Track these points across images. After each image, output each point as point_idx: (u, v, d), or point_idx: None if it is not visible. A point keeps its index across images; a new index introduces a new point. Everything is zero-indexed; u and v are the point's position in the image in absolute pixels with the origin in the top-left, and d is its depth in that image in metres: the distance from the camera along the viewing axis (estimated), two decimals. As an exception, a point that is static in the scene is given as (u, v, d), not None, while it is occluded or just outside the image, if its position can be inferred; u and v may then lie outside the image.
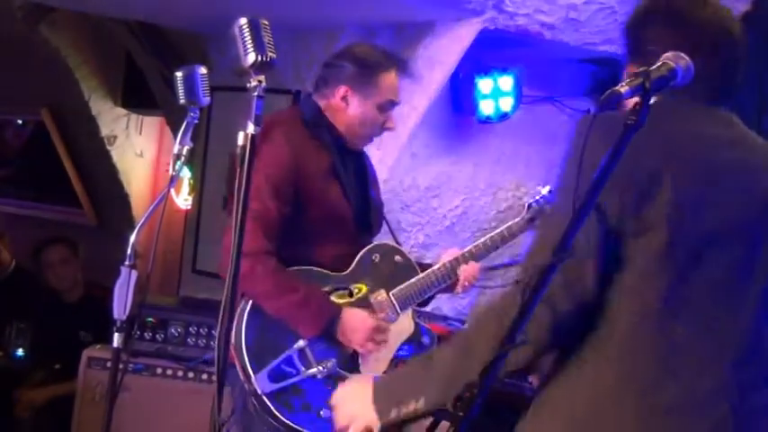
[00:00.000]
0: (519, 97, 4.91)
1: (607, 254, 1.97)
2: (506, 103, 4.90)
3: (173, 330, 4.81)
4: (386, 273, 3.46)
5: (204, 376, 4.72)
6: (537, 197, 3.69)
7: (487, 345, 1.85)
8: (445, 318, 4.52)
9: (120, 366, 3.01)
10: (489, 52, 4.81)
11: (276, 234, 3.22)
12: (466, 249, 3.53)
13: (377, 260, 3.45)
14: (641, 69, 1.77)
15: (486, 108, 4.94)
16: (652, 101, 1.76)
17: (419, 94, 4.70)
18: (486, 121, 4.98)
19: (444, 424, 4.10)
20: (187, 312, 4.89)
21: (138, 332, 4.76)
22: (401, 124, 4.79)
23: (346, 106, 3.40)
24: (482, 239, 3.58)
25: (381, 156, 4.90)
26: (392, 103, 3.46)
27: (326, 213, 3.35)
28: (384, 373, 3.35)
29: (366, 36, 4.86)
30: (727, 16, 2.18)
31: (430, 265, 3.54)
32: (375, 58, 3.43)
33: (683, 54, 1.82)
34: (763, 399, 2.06)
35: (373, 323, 3.31)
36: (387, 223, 3.69)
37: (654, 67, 1.78)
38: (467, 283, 3.53)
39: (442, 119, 5.02)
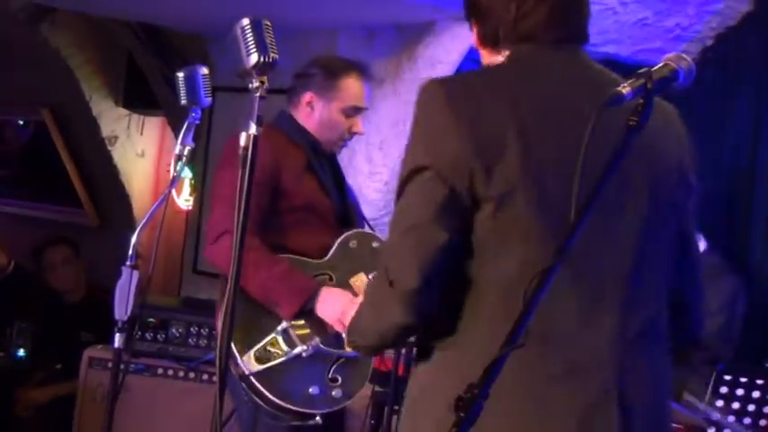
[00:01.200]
0: (520, 97, 4.91)
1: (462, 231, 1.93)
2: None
3: (174, 331, 4.82)
4: (364, 258, 3.52)
5: (205, 376, 4.72)
6: None
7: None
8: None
9: (122, 367, 3.02)
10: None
11: (256, 219, 3.28)
12: None
13: (354, 246, 3.54)
14: (644, 70, 1.77)
15: (487, 108, 4.93)
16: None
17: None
18: (487, 121, 4.98)
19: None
20: (188, 313, 4.90)
21: (140, 332, 4.76)
22: (402, 125, 4.80)
23: (311, 111, 3.57)
24: None
25: (383, 157, 4.90)
26: (356, 109, 3.60)
27: (306, 204, 3.47)
28: None
29: (366, 36, 4.87)
30: None
31: None
32: (336, 64, 3.61)
33: (684, 55, 1.82)
34: (646, 350, 2.03)
35: (350, 300, 3.35)
36: (367, 223, 3.75)
37: (656, 67, 1.78)
38: None
39: (443, 119, 5.01)
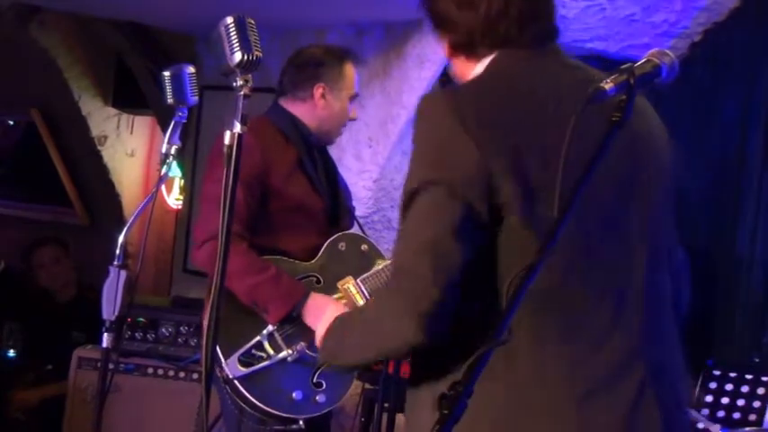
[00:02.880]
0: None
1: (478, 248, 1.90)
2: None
3: (164, 330, 4.81)
4: (353, 261, 3.52)
5: (195, 376, 4.72)
6: None
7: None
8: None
9: (111, 366, 3.01)
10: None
11: (245, 220, 3.28)
12: None
13: (343, 248, 3.53)
14: (627, 66, 1.77)
15: (476, 106, 4.93)
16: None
17: (408, 93, 4.71)
18: (476, 118, 4.98)
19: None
20: (178, 312, 4.89)
21: (129, 332, 4.76)
22: (391, 123, 4.80)
23: (326, 103, 3.55)
24: None
25: (372, 154, 4.90)
26: (356, 95, 3.65)
27: (294, 205, 3.45)
28: None
29: (355, 34, 4.87)
30: None
31: None
32: (337, 53, 3.62)
33: (667, 51, 1.82)
34: (668, 346, 2.05)
35: (339, 309, 3.34)
36: (358, 222, 3.74)
37: (639, 63, 1.78)
38: None
39: (432, 117, 5.01)
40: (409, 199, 1.93)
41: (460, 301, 1.90)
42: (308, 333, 3.34)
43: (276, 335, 3.33)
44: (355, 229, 3.72)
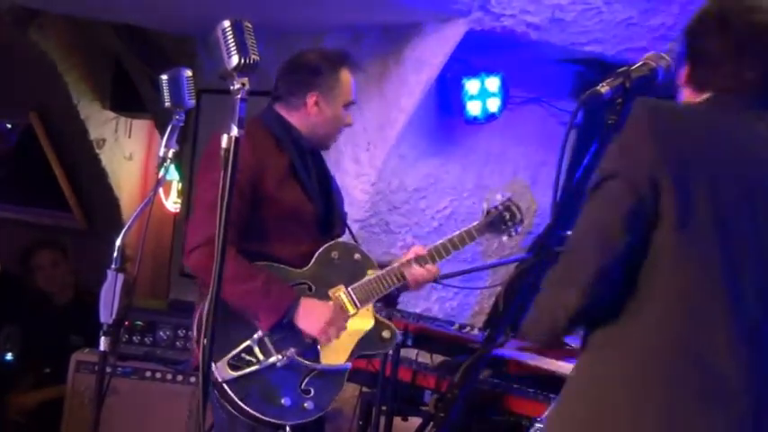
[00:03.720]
0: (506, 98, 4.93)
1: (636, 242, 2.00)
2: (493, 104, 4.91)
3: (161, 334, 4.82)
4: (345, 269, 3.51)
5: (192, 379, 4.71)
6: (496, 204, 3.73)
7: None
8: (434, 319, 4.52)
9: (108, 370, 3.02)
10: (476, 53, 4.82)
11: (235, 224, 3.23)
12: (426, 250, 3.57)
13: (336, 257, 3.51)
14: (623, 69, 1.78)
15: (474, 109, 4.95)
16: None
17: (406, 96, 4.71)
18: (474, 121, 4.99)
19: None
20: (176, 315, 4.89)
21: (127, 335, 4.76)
22: (389, 126, 4.81)
23: (319, 111, 3.52)
24: (441, 242, 3.62)
25: (370, 158, 4.91)
26: (352, 102, 3.61)
27: (287, 212, 3.43)
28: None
29: (352, 38, 4.87)
30: None
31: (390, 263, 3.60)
32: (333, 59, 3.57)
33: (663, 54, 1.83)
34: None
35: (330, 311, 3.37)
36: (349, 230, 3.73)
37: (635, 66, 1.79)
38: (417, 284, 3.57)
39: (429, 120, 5.02)
40: (593, 189, 2.04)
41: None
42: (299, 339, 3.34)
43: (266, 340, 3.32)
44: (347, 237, 3.71)
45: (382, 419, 3.97)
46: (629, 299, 2.01)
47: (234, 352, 3.28)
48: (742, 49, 2.08)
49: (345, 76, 3.56)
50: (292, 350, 3.32)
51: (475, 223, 3.69)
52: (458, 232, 3.65)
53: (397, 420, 4.10)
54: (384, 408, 3.96)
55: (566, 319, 2.04)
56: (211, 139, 3.37)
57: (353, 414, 4.34)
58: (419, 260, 3.55)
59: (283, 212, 3.42)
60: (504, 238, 3.75)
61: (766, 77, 2.10)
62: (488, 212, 3.72)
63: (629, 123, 2.02)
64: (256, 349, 3.30)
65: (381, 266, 3.57)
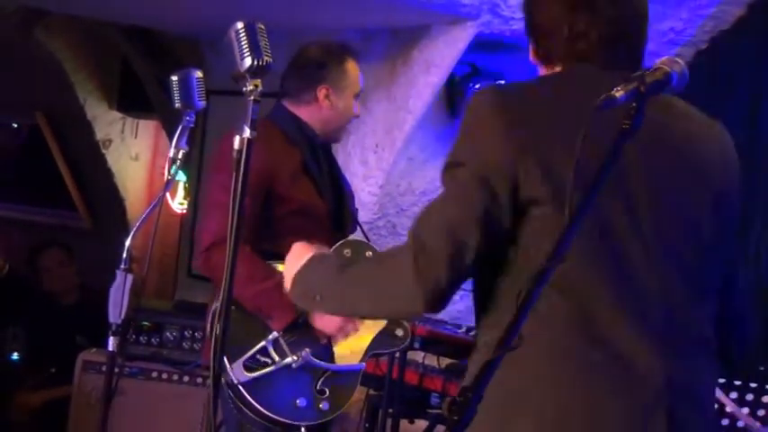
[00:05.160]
0: (514, 101, 4.92)
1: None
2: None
3: (168, 334, 4.82)
4: None
5: (199, 380, 4.72)
6: None
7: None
8: (438, 321, 4.52)
9: (116, 370, 3.02)
10: (484, 56, 4.82)
11: (249, 224, 3.21)
12: None
13: (348, 255, 3.49)
14: (637, 74, 1.77)
15: (482, 112, 4.94)
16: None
17: (415, 98, 4.71)
18: (482, 124, 4.98)
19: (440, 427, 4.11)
20: (182, 316, 4.90)
21: (134, 336, 4.77)
22: (397, 128, 4.81)
23: (330, 104, 3.54)
24: None
25: (378, 160, 4.90)
26: (360, 92, 3.64)
27: (299, 209, 3.44)
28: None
29: (361, 40, 4.87)
30: None
31: None
32: (337, 51, 3.60)
33: (677, 59, 1.82)
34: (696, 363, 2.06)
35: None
36: (360, 227, 3.73)
37: (649, 71, 1.78)
38: None
39: (437, 122, 5.02)
40: (442, 175, 2.05)
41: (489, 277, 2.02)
42: (313, 339, 3.34)
43: (281, 340, 3.30)
44: (358, 234, 3.71)
45: (389, 422, 3.97)
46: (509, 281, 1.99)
47: (249, 353, 3.26)
48: (571, 13, 2.10)
49: (352, 66, 3.58)
50: (307, 350, 3.30)
51: None
52: None
53: (403, 423, 4.10)
54: (391, 410, 3.96)
55: (406, 317, 2.03)
56: (222, 140, 3.37)
57: (360, 417, 4.33)
58: None
59: (295, 210, 3.42)
60: None
61: (603, 38, 2.10)
62: None
63: (473, 114, 2.04)
64: (271, 350, 3.28)
65: None
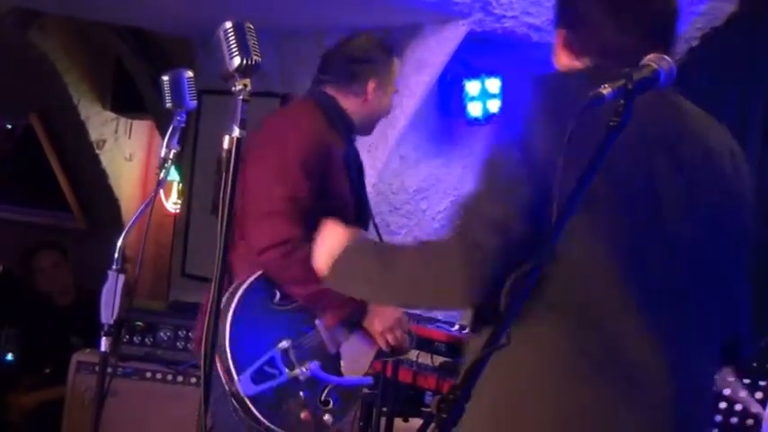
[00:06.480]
0: (507, 99, 4.93)
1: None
2: (494, 105, 4.91)
3: (162, 334, 4.81)
4: None
5: (193, 380, 4.71)
6: None
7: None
8: (434, 320, 4.53)
9: (109, 370, 3.01)
10: (477, 54, 4.82)
11: (307, 216, 3.14)
12: None
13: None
14: (625, 71, 1.77)
15: (474, 110, 4.95)
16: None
17: (407, 97, 4.72)
18: (475, 123, 5.00)
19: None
20: (176, 316, 4.89)
21: (128, 336, 4.76)
22: (390, 127, 4.81)
23: (377, 98, 3.51)
24: None
25: (371, 159, 4.90)
26: (396, 92, 3.64)
27: (333, 203, 3.34)
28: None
29: (353, 39, 4.87)
30: None
31: None
32: (386, 47, 3.57)
33: (665, 56, 1.82)
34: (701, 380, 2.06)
35: (401, 312, 3.36)
36: (374, 225, 3.70)
37: (636, 68, 1.78)
38: None
39: (430, 121, 5.03)
40: (484, 165, 2.00)
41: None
42: (322, 352, 3.30)
43: (290, 351, 3.23)
44: (371, 232, 3.68)
45: (383, 420, 3.98)
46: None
47: (257, 364, 3.17)
48: (619, 13, 2.09)
49: (396, 64, 3.59)
50: (316, 363, 3.25)
51: None
52: None
53: (397, 421, 4.11)
54: (385, 409, 3.97)
55: (450, 308, 2.00)
56: (266, 144, 3.30)
57: (354, 415, 4.34)
58: None
59: (330, 204, 3.29)
60: None
61: (640, 42, 2.08)
62: None
63: (518, 101, 2.03)
64: (279, 361, 3.21)
65: None
